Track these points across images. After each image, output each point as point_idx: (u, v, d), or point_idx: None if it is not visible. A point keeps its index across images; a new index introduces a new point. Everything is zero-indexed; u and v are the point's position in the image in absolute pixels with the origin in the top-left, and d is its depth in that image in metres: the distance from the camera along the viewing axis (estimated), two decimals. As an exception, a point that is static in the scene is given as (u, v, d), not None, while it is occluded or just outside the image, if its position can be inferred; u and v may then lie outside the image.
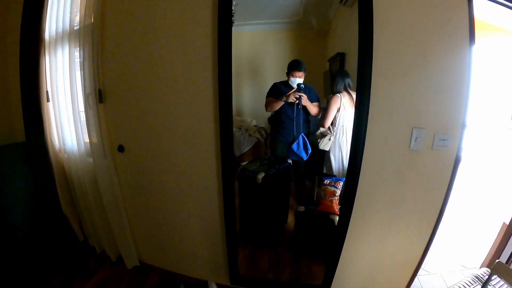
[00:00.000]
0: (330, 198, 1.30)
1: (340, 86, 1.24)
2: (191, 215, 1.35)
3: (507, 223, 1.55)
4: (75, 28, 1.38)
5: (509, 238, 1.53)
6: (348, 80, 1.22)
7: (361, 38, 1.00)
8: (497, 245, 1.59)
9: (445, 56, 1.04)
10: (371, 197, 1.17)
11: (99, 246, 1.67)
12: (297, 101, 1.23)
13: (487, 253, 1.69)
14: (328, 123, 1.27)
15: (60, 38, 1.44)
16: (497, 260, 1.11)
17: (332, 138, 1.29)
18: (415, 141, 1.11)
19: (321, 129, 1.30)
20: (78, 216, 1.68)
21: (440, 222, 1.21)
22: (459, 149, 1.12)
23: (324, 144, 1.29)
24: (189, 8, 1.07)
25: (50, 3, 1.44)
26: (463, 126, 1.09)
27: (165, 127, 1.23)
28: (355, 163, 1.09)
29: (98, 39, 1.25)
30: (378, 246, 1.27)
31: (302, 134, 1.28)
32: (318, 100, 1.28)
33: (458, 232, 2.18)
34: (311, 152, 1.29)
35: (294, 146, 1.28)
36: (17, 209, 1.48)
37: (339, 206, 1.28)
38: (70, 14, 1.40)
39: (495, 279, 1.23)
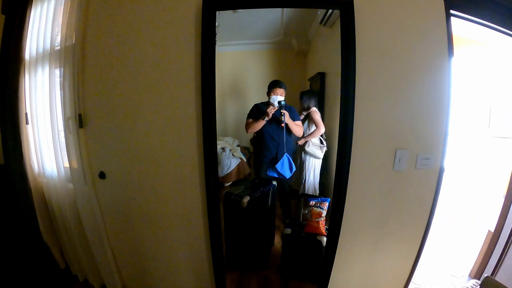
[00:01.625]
0: (316, 219, 1.27)
1: (313, 103, 1.24)
2: (176, 241, 1.27)
3: (492, 231, 1.56)
4: (56, 48, 1.31)
5: (495, 245, 1.54)
6: (316, 99, 1.24)
7: (344, 62, 1.00)
8: (484, 252, 1.61)
9: (425, 74, 1.05)
10: (358, 218, 1.16)
11: (81, 274, 1.55)
12: (281, 117, 1.20)
13: (475, 261, 1.69)
14: (321, 131, 1.25)
15: (40, 58, 1.37)
16: (485, 275, 1.10)
17: (324, 150, 1.28)
18: (399, 162, 1.12)
19: (312, 141, 1.27)
20: (59, 243, 1.57)
21: (427, 236, 1.22)
22: (441, 167, 1.13)
23: (313, 152, 1.27)
24: (172, 34, 1.04)
25: (32, 22, 1.38)
26: (444, 143, 1.10)
27: (148, 153, 1.17)
28: (340, 185, 1.06)
29: (79, 61, 1.19)
30: (368, 265, 1.25)
31: (286, 154, 1.26)
32: (300, 119, 1.26)
33: (445, 243, 2.18)
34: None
35: (278, 165, 1.26)
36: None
37: (326, 227, 1.25)
38: (52, 33, 1.33)
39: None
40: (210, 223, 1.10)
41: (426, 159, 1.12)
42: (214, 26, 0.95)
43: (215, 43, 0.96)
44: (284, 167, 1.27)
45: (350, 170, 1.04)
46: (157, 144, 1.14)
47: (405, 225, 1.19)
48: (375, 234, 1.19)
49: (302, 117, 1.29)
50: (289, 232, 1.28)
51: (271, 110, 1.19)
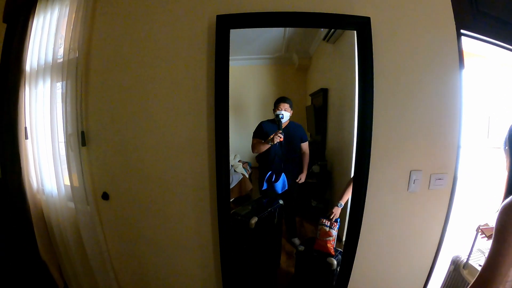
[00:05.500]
0: (324, 238, 1.20)
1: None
2: (183, 267, 1.17)
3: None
4: (59, 61, 1.21)
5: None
6: None
7: (362, 83, 0.95)
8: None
9: (438, 91, 1.01)
10: (373, 240, 1.09)
11: (81, 294, 1.44)
12: (276, 137, 1.14)
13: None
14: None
15: (41, 70, 1.28)
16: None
17: None
18: (414, 183, 1.06)
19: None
20: (58, 262, 1.46)
21: (439, 254, 1.15)
22: (453, 187, 1.08)
23: None
24: (184, 51, 0.97)
25: (34, 33, 1.28)
26: (457, 161, 1.06)
27: (155, 175, 1.08)
28: (357, 210, 0.99)
29: (83, 75, 1.10)
30: (381, 280, 1.18)
31: (283, 174, 1.20)
32: (307, 139, 1.20)
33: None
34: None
35: (274, 180, 1.19)
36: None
37: (334, 247, 1.18)
38: (54, 45, 1.23)
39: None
40: (222, 249, 1.01)
41: (440, 179, 1.07)
42: (228, 44, 0.88)
43: (229, 61, 0.89)
44: (278, 183, 1.21)
45: (367, 192, 0.98)
46: (165, 165, 1.06)
47: (418, 245, 1.13)
48: (388, 254, 1.13)
49: None
50: (303, 249, 1.21)
51: (276, 138, 1.12)
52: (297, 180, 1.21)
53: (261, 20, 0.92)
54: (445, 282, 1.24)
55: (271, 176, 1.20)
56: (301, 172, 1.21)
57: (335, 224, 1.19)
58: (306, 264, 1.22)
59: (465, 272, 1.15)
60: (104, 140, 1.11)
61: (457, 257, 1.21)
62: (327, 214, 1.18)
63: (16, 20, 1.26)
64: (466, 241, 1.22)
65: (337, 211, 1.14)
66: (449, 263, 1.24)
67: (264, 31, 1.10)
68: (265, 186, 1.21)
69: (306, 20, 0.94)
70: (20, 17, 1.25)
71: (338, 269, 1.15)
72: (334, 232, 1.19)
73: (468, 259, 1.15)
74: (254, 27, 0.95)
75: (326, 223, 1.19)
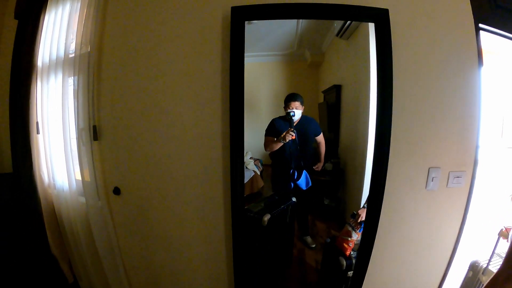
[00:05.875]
0: (343, 237, 1.17)
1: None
2: (194, 264, 1.16)
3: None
4: (70, 56, 1.21)
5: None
6: None
7: (381, 78, 0.91)
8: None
9: (457, 86, 0.98)
10: (389, 239, 1.06)
11: (90, 289, 1.44)
12: (289, 135, 1.12)
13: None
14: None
15: (53, 65, 1.27)
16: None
17: None
18: (432, 181, 1.03)
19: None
20: (68, 257, 1.46)
21: (454, 256, 1.11)
22: (471, 185, 1.04)
23: None
24: (198, 44, 0.94)
25: (45, 27, 1.28)
26: (476, 159, 1.02)
27: (166, 170, 1.06)
28: (374, 208, 0.96)
29: (95, 70, 1.09)
30: (395, 283, 1.14)
31: (305, 171, 1.17)
32: (321, 132, 1.17)
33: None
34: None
35: (296, 178, 1.17)
36: None
37: (352, 250, 1.15)
38: (66, 40, 1.23)
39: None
40: (235, 246, 0.98)
41: (458, 177, 1.03)
42: (243, 37, 0.86)
43: (244, 54, 0.87)
44: (301, 180, 1.19)
45: (385, 190, 0.95)
46: (177, 160, 1.04)
47: (434, 244, 1.10)
48: (404, 252, 1.10)
49: None
50: (314, 247, 1.20)
51: (288, 136, 1.10)
52: (314, 167, 1.19)
53: (276, 12, 0.89)
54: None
55: (293, 174, 1.18)
56: (315, 164, 1.19)
57: (358, 226, 1.16)
58: (325, 257, 1.21)
59: (484, 279, 1.10)
60: (116, 134, 1.10)
61: (475, 262, 1.17)
62: (355, 215, 1.15)
63: (27, 16, 1.25)
64: (484, 244, 1.18)
65: (362, 213, 1.12)
66: (467, 268, 1.19)
67: (277, 27, 1.09)
68: (292, 186, 1.19)
69: (323, 11, 0.91)
70: (31, 13, 1.25)
71: (348, 273, 1.12)
72: (355, 235, 1.16)
73: (488, 264, 1.10)
74: (269, 19, 0.92)
75: (351, 222, 1.17)
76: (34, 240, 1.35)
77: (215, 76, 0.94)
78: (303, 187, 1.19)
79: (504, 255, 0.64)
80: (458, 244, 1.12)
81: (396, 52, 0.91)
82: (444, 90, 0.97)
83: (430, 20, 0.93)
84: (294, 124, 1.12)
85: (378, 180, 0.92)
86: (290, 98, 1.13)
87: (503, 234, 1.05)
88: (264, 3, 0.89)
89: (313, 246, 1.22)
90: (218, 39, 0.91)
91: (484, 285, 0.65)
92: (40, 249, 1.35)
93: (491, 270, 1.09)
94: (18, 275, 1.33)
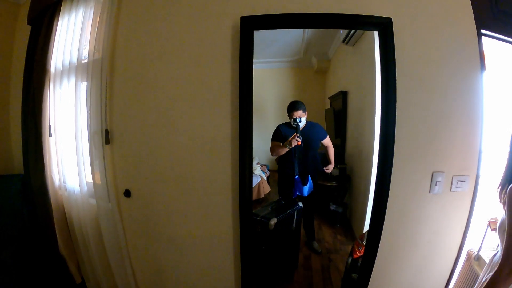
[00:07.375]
0: (359, 240, 1.16)
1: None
2: (201, 266, 1.17)
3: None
4: (83, 61, 1.24)
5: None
6: None
7: (384, 83, 0.93)
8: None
9: (460, 91, 0.99)
10: (394, 243, 1.07)
11: (98, 290, 1.46)
12: (294, 140, 1.12)
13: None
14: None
15: (66, 70, 1.30)
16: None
17: None
18: (436, 185, 1.03)
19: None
20: (76, 257, 1.48)
21: (459, 258, 1.13)
22: (475, 188, 1.05)
23: None
24: (208, 51, 0.96)
25: (58, 33, 1.31)
26: (479, 163, 1.03)
27: (176, 174, 1.08)
28: (379, 213, 0.97)
29: (107, 75, 1.12)
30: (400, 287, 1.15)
31: (309, 176, 1.18)
32: (326, 135, 1.18)
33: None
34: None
35: (300, 184, 1.18)
36: (9, 246, 1.29)
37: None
38: (79, 46, 1.26)
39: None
40: (242, 249, 1.00)
41: (462, 181, 1.04)
42: (252, 45, 0.88)
43: (252, 61, 0.89)
44: (305, 186, 1.20)
45: (389, 194, 0.95)
46: (186, 164, 1.05)
47: (438, 248, 1.10)
48: (408, 256, 1.10)
49: None
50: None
51: (294, 141, 1.12)
52: (325, 169, 1.19)
53: (283, 22, 0.91)
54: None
55: (298, 180, 1.19)
56: (321, 169, 1.20)
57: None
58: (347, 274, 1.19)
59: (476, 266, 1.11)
60: (128, 138, 1.12)
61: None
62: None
63: (40, 22, 1.28)
64: (483, 245, 1.18)
65: None
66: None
67: (284, 34, 1.10)
68: (296, 194, 1.20)
69: (328, 21, 0.93)
70: (44, 19, 1.27)
71: (352, 275, 1.12)
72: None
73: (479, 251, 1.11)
74: (276, 28, 0.94)
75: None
76: (43, 240, 1.37)
77: (225, 82, 0.96)
78: (305, 193, 1.20)
79: (502, 249, 0.64)
80: (462, 248, 1.12)
81: (400, 59, 0.92)
82: (447, 95, 0.98)
83: (432, 28, 0.95)
84: (298, 143, 1.12)
85: (383, 184, 0.93)
86: (292, 108, 1.13)
87: (491, 224, 1.06)
88: (271, 13, 0.92)
89: (320, 251, 1.22)
90: (228, 47, 0.94)
91: (488, 279, 0.64)
92: (49, 249, 1.37)
93: (482, 258, 1.10)
94: (26, 274, 1.35)
